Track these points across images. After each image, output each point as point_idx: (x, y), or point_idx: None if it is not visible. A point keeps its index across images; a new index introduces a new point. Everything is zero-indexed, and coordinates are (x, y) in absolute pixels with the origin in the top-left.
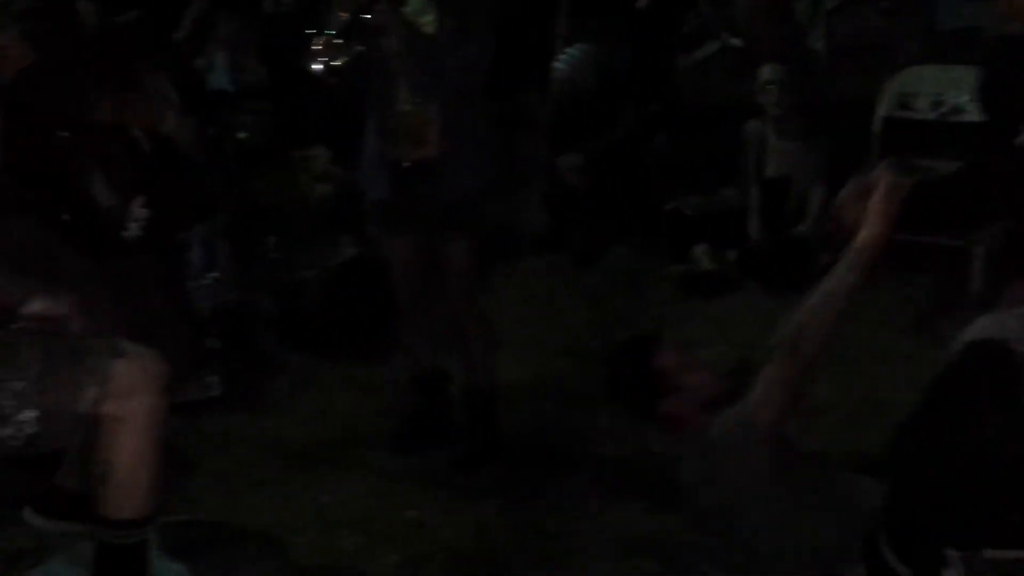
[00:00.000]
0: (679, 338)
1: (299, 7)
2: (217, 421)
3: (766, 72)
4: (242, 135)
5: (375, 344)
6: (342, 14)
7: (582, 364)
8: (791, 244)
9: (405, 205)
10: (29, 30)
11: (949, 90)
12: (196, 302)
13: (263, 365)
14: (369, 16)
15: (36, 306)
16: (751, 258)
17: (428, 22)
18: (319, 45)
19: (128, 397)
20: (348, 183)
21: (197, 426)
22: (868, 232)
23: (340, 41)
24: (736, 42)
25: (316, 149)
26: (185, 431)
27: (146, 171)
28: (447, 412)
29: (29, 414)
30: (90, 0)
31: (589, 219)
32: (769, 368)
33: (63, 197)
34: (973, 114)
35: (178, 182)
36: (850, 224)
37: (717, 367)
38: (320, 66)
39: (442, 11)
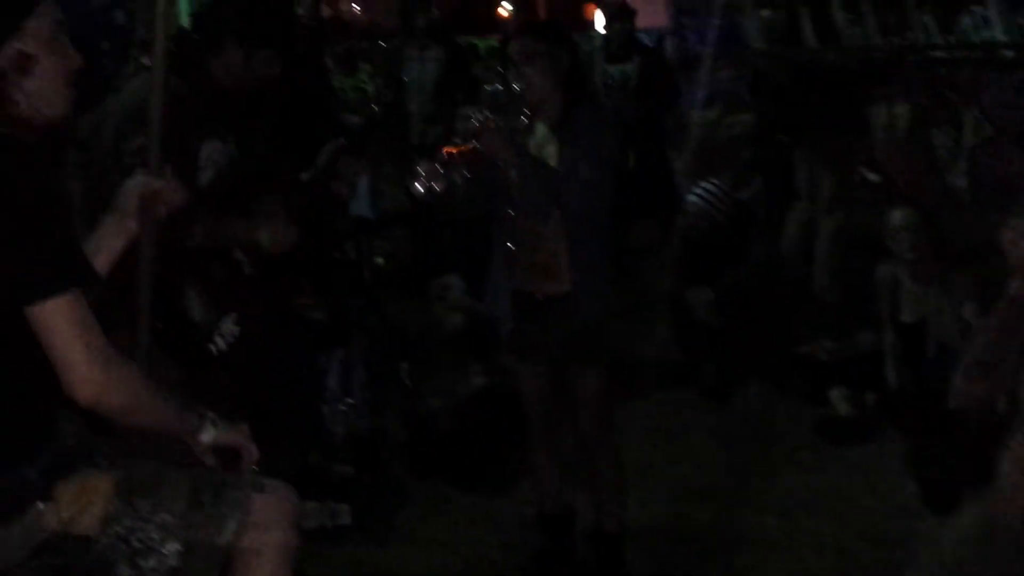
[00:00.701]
0: (816, 484)
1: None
2: (346, 549)
3: (897, 217)
4: (380, 261)
5: (503, 476)
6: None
7: (713, 507)
8: (932, 391)
9: (537, 335)
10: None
11: None
12: (330, 427)
13: (393, 493)
14: (479, 143)
15: (211, 436)
16: (890, 404)
17: (551, 154)
18: (422, 169)
19: (265, 530)
20: (480, 313)
21: (326, 554)
22: None
23: (441, 168)
24: (874, 177)
25: (451, 278)
26: (314, 558)
27: (243, 292)
28: (572, 551)
29: (173, 547)
30: (223, 142)
31: (721, 354)
32: (1013, 449)
33: (159, 308)
34: None
35: (277, 302)
36: None
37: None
38: (422, 189)
39: (562, 140)
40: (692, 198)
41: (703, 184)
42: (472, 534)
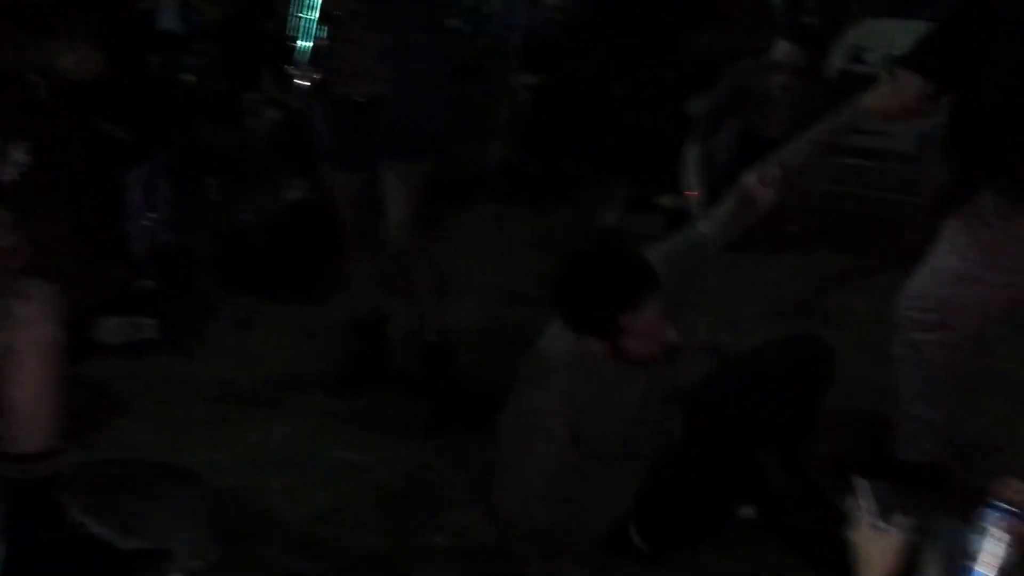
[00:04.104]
0: None
1: None
2: (153, 363)
3: None
4: (188, 77)
5: (316, 288)
6: None
7: (526, 310)
8: None
9: (355, 140)
10: None
11: (901, 46)
12: (133, 242)
13: (201, 307)
14: None
15: None
16: None
17: None
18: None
19: (25, 329)
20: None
21: (132, 368)
22: None
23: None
24: None
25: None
26: (119, 373)
27: (38, 118)
28: (385, 355)
29: None
30: None
31: (548, 155)
32: None
33: None
34: None
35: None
36: None
37: None
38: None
39: None
40: None
41: None
42: (284, 345)
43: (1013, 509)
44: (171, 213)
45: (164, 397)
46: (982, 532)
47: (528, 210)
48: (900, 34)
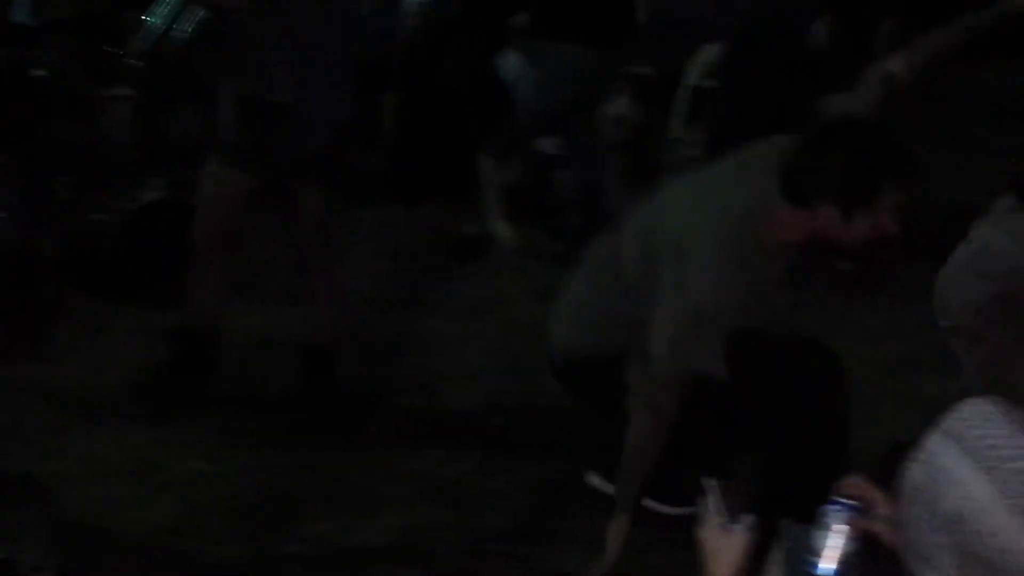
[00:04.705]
0: (484, 291)
1: None
2: None
3: None
4: (40, 72)
5: (173, 291)
6: None
7: (390, 316)
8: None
9: (256, 141)
10: None
11: None
12: None
13: (46, 311)
14: None
15: None
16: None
17: None
18: None
19: None
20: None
21: None
22: None
23: None
24: None
25: (122, 89)
26: None
27: None
28: (212, 362)
29: None
30: None
31: (409, 167)
32: None
33: None
34: None
35: None
36: None
37: None
38: None
39: None
40: None
41: None
42: (135, 350)
43: (852, 503)
44: (19, 212)
45: (8, 404)
46: (824, 528)
47: (401, 215)
48: None
